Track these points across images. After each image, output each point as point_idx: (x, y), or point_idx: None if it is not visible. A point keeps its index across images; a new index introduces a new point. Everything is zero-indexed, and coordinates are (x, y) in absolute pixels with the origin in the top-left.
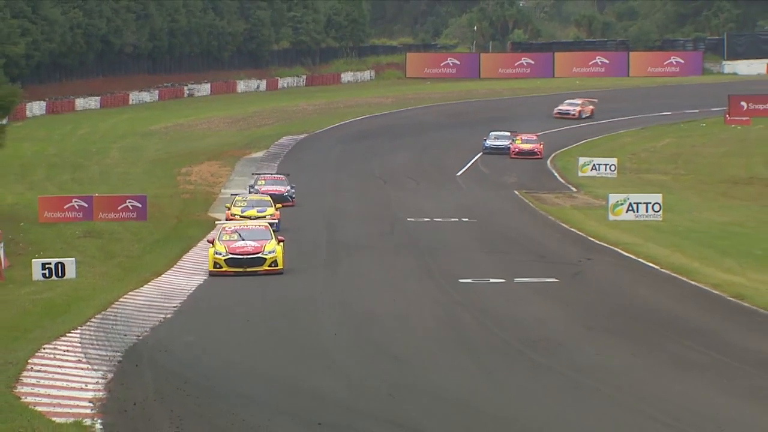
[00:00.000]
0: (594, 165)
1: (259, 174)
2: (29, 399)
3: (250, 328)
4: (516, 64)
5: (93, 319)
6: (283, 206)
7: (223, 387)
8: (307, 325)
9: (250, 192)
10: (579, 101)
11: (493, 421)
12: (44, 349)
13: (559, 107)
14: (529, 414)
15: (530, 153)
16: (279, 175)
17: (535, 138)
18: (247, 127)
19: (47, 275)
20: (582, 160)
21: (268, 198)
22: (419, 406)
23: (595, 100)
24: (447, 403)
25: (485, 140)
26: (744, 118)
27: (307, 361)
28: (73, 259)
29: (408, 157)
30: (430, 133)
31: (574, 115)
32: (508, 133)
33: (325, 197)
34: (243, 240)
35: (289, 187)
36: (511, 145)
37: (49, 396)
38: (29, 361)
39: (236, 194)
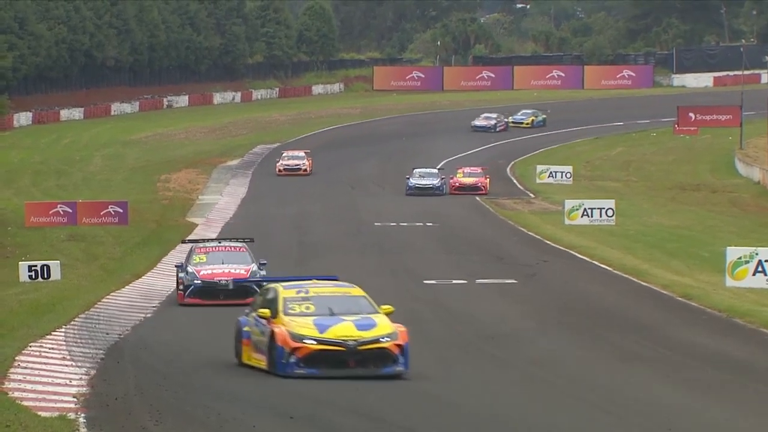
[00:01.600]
0: (551, 172)
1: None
2: (16, 394)
3: (225, 326)
4: (477, 77)
5: (77, 319)
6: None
7: (200, 382)
8: None
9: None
10: (495, 115)
11: (451, 409)
12: (30, 346)
13: (475, 121)
14: (485, 402)
15: (473, 188)
16: (237, 246)
17: (480, 171)
18: (223, 136)
19: (33, 277)
20: (539, 167)
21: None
22: (382, 397)
23: (548, 110)
24: (408, 393)
25: (408, 179)
26: (692, 128)
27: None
28: (58, 261)
29: (374, 165)
30: (396, 142)
31: (490, 128)
32: (436, 171)
33: (294, 203)
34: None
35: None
36: (450, 179)
37: (35, 391)
38: (16, 358)
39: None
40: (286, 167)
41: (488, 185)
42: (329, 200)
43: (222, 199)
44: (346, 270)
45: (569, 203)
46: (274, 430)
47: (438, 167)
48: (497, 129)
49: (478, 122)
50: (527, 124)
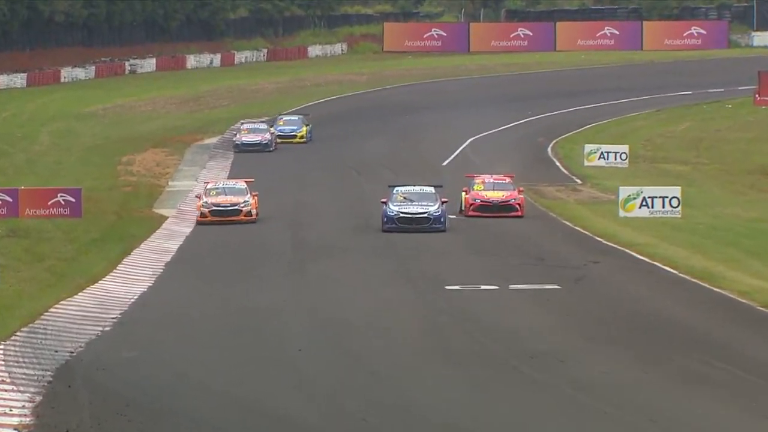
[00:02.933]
0: (602, 153)
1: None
2: None
3: (204, 340)
4: (511, 36)
5: (18, 333)
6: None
7: (171, 409)
8: (271, 336)
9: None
10: (264, 126)
11: None
12: None
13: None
14: None
15: (504, 207)
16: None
17: (509, 180)
18: (199, 108)
19: None
20: (588, 147)
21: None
22: (397, 429)
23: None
24: (431, 426)
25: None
26: None
27: (271, 378)
28: None
29: (385, 144)
30: (411, 115)
31: (262, 145)
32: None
33: (289, 191)
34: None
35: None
36: (464, 193)
37: None
38: None
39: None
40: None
41: (524, 203)
42: (330, 189)
43: (197, 186)
44: (353, 276)
45: (625, 191)
46: None
47: (434, 185)
48: (271, 147)
49: (246, 138)
50: (300, 137)
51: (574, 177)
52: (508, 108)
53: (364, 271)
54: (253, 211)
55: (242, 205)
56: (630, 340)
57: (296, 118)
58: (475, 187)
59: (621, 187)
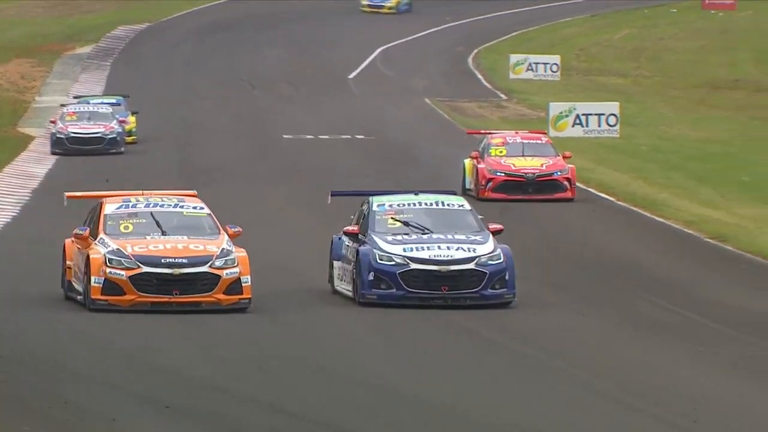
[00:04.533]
0: (530, 64)
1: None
2: None
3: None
4: None
5: None
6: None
7: (46, 361)
8: None
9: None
10: None
11: (413, 404)
12: None
13: None
14: (458, 395)
15: (546, 185)
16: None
17: (544, 140)
18: (70, 13)
19: None
20: (514, 58)
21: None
22: (294, 379)
23: None
24: (330, 375)
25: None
26: (727, 2)
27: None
28: None
29: (284, 55)
30: (314, 22)
31: None
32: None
33: (176, 108)
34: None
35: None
36: (475, 162)
37: None
38: None
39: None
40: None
41: (575, 177)
42: (222, 105)
43: (69, 102)
44: (249, 204)
45: (556, 107)
46: (143, 421)
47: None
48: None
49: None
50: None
51: (498, 92)
52: (423, 12)
53: (263, 198)
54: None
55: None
56: (565, 281)
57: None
58: (493, 151)
59: (551, 104)
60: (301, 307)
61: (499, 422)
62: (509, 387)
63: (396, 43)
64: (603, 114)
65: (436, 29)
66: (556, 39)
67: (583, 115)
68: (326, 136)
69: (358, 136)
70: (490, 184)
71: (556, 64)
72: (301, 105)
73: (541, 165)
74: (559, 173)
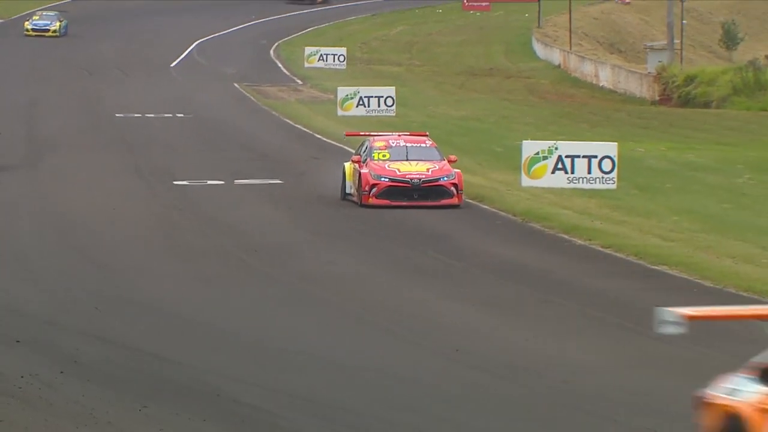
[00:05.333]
0: (321, 55)
1: None
2: None
3: None
4: None
5: None
6: None
7: None
8: (1, 229)
9: None
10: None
11: (208, 331)
12: None
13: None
14: (253, 325)
15: (432, 191)
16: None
17: (428, 143)
18: None
19: None
20: (308, 50)
21: None
22: (129, 320)
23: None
24: (160, 315)
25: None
26: (483, 4)
27: (2, 270)
28: None
29: (116, 46)
30: (141, 18)
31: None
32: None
33: (19, 89)
34: None
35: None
36: (355, 164)
37: None
38: None
39: None
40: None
41: (462, 181)
42: (63, 87)
43: None
44: (85, 169)
45: (343, 91)
46: None
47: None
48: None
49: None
50: (54, 31)
51: (295, 78)
52: (232, 11)
53: (96, 165)
54: None
55: None
56: (349, 234)
57: (52, 14)
58: (376, 155)
59: (339, 88)
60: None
61: (291, 349)
62: (296, 318)
63: (210, 37)
64: (382, 96)
65: (243, 26)
66: (343, 34)
67: (365, 97)
68: (152, 115)
69: (179, 115)
70: (374, 189)
71: (342, 55)
72: (131, 88)
73: (427, 170)
74: (445, 178)
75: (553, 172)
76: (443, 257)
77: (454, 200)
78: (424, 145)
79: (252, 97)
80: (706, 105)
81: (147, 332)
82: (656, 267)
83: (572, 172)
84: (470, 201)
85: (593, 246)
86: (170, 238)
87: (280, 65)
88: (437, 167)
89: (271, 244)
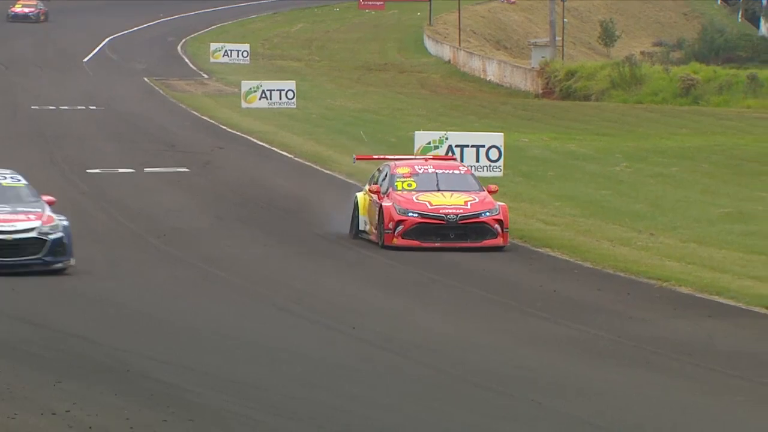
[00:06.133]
0: (226, 51)
1: None
2: None
3: None
4: None
5: None
6: None
7: None
8: None
9: None
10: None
11: (117, 310)
12: None
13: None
14: (162, 305)
15: (471, 229)
16: None
17: (462, 170)
18: None
19: None
20: (213, 46)
21: None
22: (43, 300)
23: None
24: (74, 296)
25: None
26: (378, 3)
27: None
28: None
29: (32, 43)
30: (54, 17)
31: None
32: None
33: None
34: None
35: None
36: (369, 193)
37: None
38: None
39: None
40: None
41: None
42: None
43: None
44: (1, 159)
45: (246, 85)
46: None
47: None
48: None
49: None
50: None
51: (201, 72)
52: (141, 10)
53: (12, 155)
54: None
55: None
56: (253, 218)
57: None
58: (400, 184)
59: (243, 81)
60: None
61: (199, 328)
62: (203, 299)
63: (120, 34)
64: (283, 90)
65: (152, 23)
66: (247, 31)
67: (267, 90)
68: (66, 107)
69: (92, 107)
70: (400, 227)
71: (246, 51)
72: (46, 82)
73: (465, 203)
74: (487, 214)
75: None
76: (338, 239)
77: (498, 240)
78: (457, 171)
79: (161, 91)
80: (586, 98)
81: (61, 312)
82: (540, 249)
83: (461, 161)
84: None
85: None
86: (83, 223)
87: (187, 60)
88: (477, 199)
89: (178, 229)
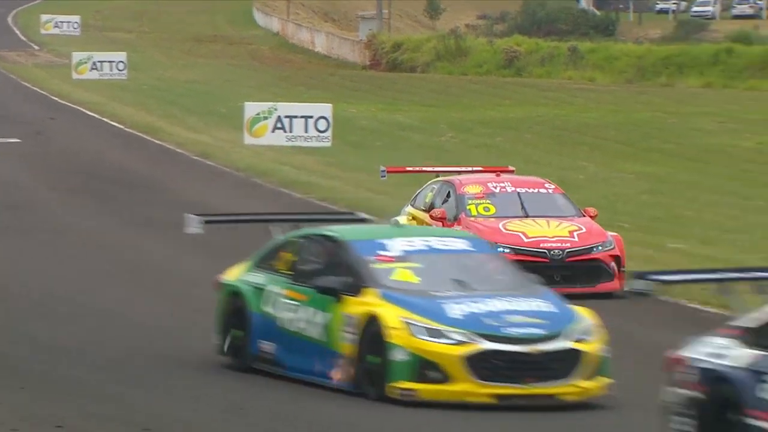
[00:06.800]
0: (56, 22)
1: None
2: None
3: None
4: None
5: None
6: None
7: None
8: None
9: None
10: None
11: None
12: None
13: None
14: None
15: (584, 269)
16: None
17: (550, 187)
18: None
19: None
20: (44, 17)
21: None
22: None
23: None
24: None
25: None
26: None
27: None
28: None
29: None
30: None
31: None
32: None
33: None
34: None
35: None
36: (433, 219)
37: None
38: None
39: None
40: None
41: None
42: None
43: None
44: None
45: (77, 56)
46: None
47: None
48: None
49: None
50: None
51: (32, 44)
52: None
53: None
54: None
55: None
56: (87, 188)
57: None
58: (474, 207)
59: (74, 53)
60: None
61: (36, 297)
62: (44, 268)
63: None
64: (114, 61)
65: None
66: (78, 3)
67: (98, 61)
68: None
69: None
70: None
71: (77, 22)
72: None
73: (570, 234)
74: (600, 248)
75: (273, 131)
76: (170, 210)
77: (615, 284)
78: (543, 190)
79: None
80: (412, 69)
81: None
82: (367, 217)
83: (290, 131)
84: (197, 157)
85: (310, 199)
86: None
87: (17, 32)
88: (583, 229)
89: (16, 202)
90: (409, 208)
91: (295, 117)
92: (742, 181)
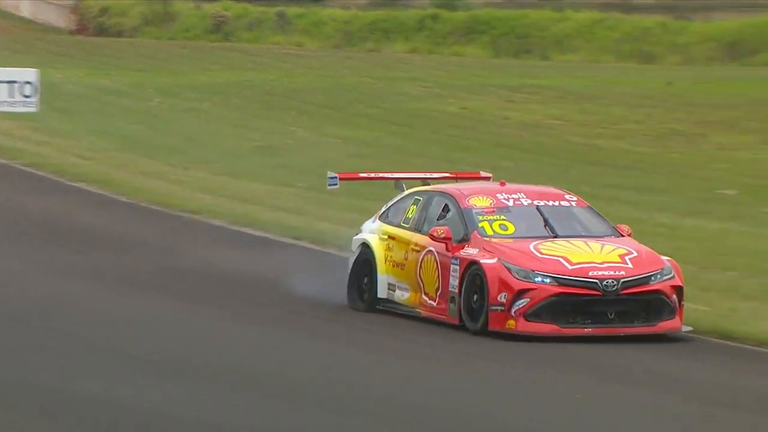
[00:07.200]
0: None
1: None
2: None
3: None
4: None
5: None
6: None
7: None
8: None
9: None
10: None
11: None
12: None
13: None
14: None
15: (642, 304)
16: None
17: (573, 200)
18: None
19: None
20: None
21: None
22: None
23: None
24: None
25: None
26: None
27: None
28: None
29: None
30: None
31: None
32: None
33: None
34: None
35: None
36: (437, 242)
37: None
38: None
39: None
40: None
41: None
42: None
43: None
44: None
45: None
46: None
47: None
48: None
49: None
50: None
51: None
52: None
53: None
54: None
55: None
56: None
57: None
58: (486, 224)
59: None
60: None
61: None
62: None
63: None
64: None
65: None
66: None
67: None
68: None
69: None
70: (522, 302)
71: None
72: None
73: (621, 259)
74: (659, 277)
75: None
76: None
77: (676, 322)
78: (566, 203)
79: None
80: (120, 35)
81: None
82: (75, 184)
83: None
84: None
85: (15, 165)
86: None
87: None
88: (634, 253)
89: None
90: (379, 224)
91: (0, 82)
92: (446, 146)
